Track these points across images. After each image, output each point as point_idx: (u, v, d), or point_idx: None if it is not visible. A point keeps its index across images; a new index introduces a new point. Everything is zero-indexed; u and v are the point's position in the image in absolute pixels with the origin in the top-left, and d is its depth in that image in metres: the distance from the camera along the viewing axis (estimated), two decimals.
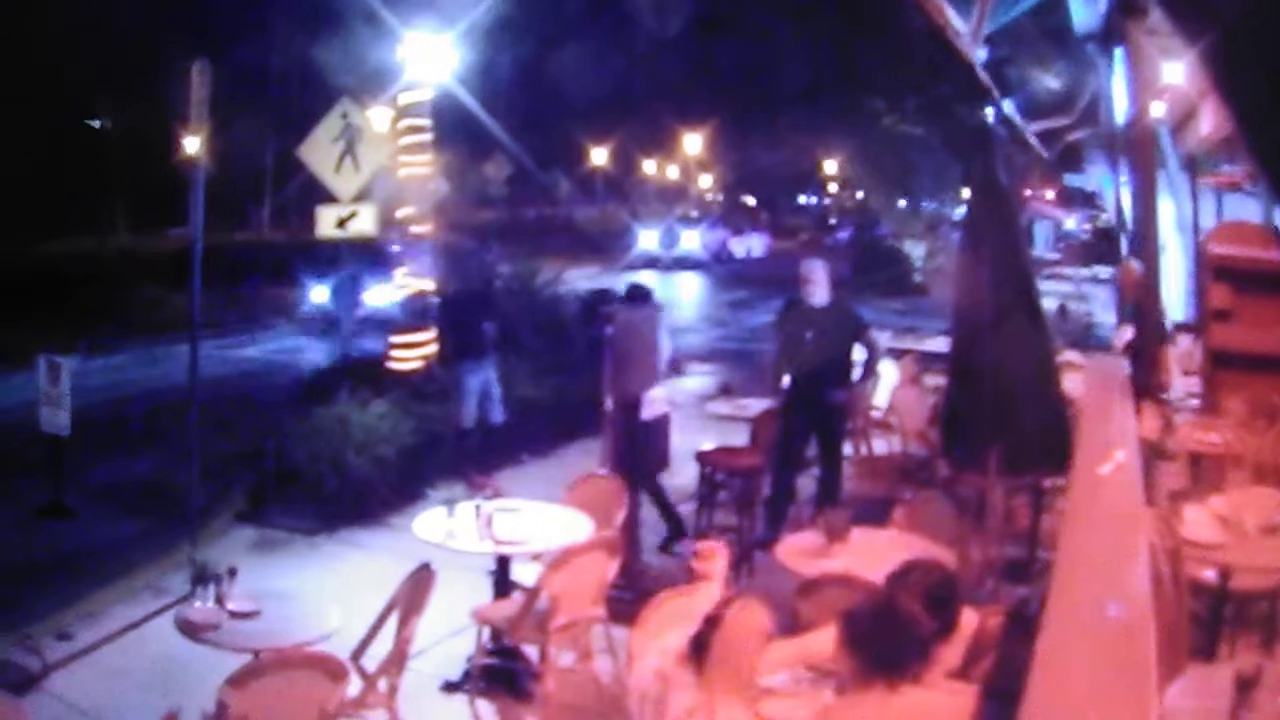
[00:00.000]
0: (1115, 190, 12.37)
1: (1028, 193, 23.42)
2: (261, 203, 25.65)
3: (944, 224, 24.42)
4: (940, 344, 7.71)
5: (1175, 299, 9.36)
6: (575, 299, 10.39)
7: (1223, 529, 3.94)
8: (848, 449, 6.43)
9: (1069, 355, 6.92)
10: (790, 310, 6.07)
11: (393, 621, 3.66)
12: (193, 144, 5.65)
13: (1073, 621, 2.00)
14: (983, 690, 2.63)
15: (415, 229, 7.64)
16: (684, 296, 20.69)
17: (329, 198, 7.37)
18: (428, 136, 7.61)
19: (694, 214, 31.62)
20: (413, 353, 7.58)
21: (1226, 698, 2.76)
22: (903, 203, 24.67)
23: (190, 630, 3.51)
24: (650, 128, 29.91)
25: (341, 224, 7.35)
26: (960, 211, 20.23)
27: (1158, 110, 7.88)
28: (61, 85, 19.70)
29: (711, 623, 2.90)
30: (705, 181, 38.59)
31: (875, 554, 3.70)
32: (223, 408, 7.58)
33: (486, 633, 4.21)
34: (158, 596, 5.17)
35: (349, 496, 6.33)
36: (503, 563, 4.37)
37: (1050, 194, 28.98)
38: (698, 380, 10.93)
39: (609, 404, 5.51)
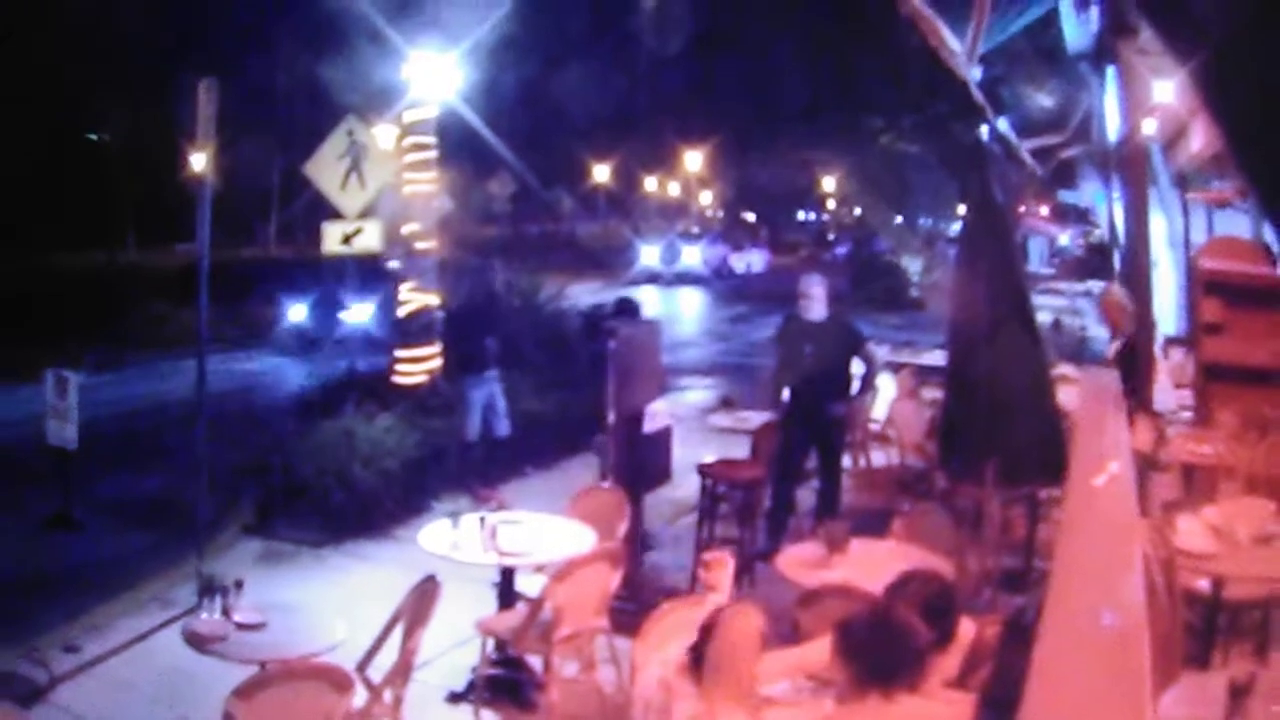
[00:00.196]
0: (1108, 206, 12.44)
1: (1022, 209, 23.54)
2: (268, 219, 25.81)
3: (940, 239, 24.62)
4: (937, 357, 7.74)
5: (1167, 313, 9.41)
6: (578, 314, 10.44)
7: (1215, 539, 3.95)
8: (847, 461, 6.46)
9: (1063, 368, 6.95)
10: (789, 325, 6.11)
11: (398, 633, 3.66)
12: (200, 161, 5.68)
13: (1069, 630, 2.03)
14: (980, 699, 2.66)
15: (420, 245, 7.72)
16: (685, 311, 20.78)
17: (335, 214, 7.45)
18: (432, 154, 7.69)
19: (695, 230, 31.83)
20: (417, 367, 7.63)
21: (1220, 706, 2.80)
22: (900, 219, 24.81)
23: (197, 642, 3.52)
24: (652, 145, 30.04)
25: (347, 240, 7.43)
26: (956, 227, 20.35)
27: (1149, 128, 7.96)
28: (70, 101, 19.89)
29: (707, 631, 2.92)
30: (706, 198, 38.82)
31: (874, 565, 3.73)
32: (229, 422, 7.62)
33: (491, 644, 4.23)
34: (164, 609, 5.18)
35: (355, 509, 6.35)
36: (507, 574, 4.40)
37: (1044, 210, 29.13)
38: (699, 394, 11.00)
39: (612, 417, 5.55)
